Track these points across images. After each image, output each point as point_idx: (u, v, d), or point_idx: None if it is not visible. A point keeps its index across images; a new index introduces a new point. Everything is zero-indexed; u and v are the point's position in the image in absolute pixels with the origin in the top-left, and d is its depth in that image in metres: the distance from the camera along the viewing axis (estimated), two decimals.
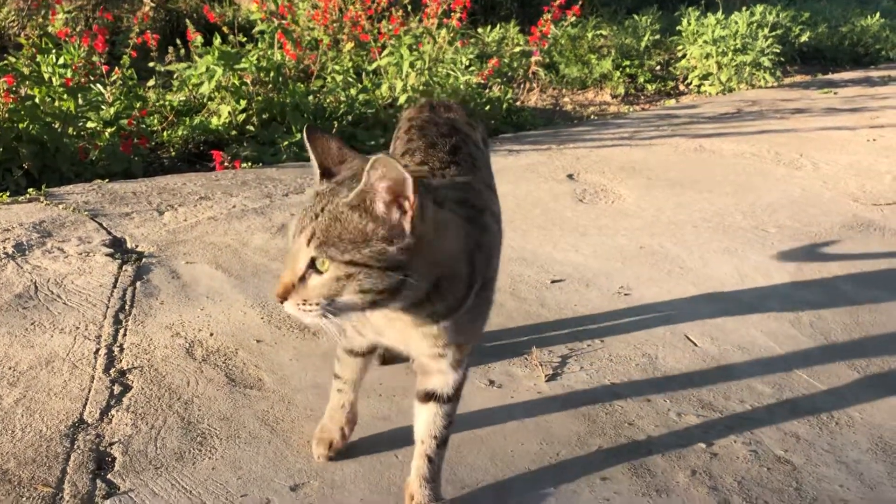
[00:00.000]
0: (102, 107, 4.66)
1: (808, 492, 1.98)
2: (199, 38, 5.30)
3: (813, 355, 2.66)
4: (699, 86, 8.10)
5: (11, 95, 3.95)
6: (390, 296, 1.44)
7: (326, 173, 1.53)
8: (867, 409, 2.35)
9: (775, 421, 2.27)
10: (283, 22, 6.34)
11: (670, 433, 2.19)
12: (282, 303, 1.44)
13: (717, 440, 2.16)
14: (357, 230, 1.40)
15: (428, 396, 1.78)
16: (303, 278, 1.42)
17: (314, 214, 1.42)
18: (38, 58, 4.32)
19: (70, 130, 4.27)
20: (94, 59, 4.63)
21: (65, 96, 4.32)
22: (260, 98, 4.96)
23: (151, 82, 5.39)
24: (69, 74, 4.29)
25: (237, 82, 4.93)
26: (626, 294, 3.05)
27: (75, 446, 1.99)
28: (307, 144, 1.55)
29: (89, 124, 4.50)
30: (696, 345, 2.68)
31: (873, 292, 3.15)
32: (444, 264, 1.51)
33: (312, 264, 1.41)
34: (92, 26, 5.42)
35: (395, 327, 1.64)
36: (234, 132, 4.87)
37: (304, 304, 1.42)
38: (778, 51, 8.18)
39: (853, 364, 2.61)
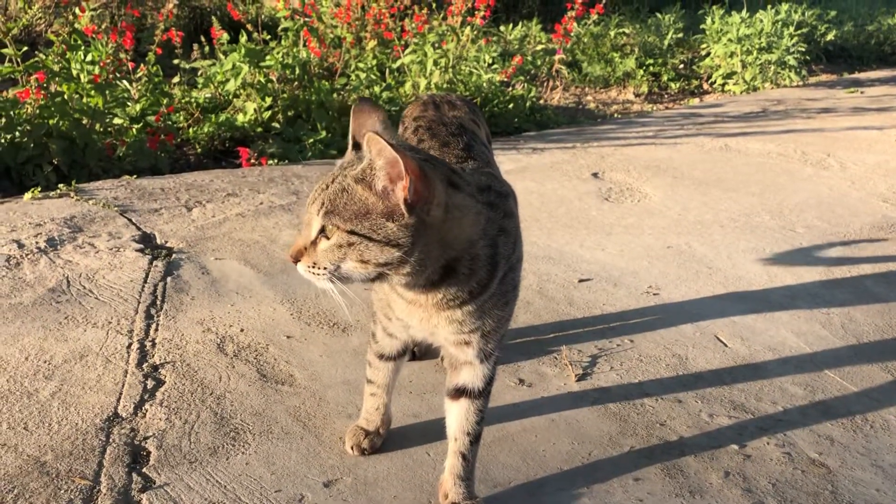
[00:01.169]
0: (129, 103, 4.70)
1: (843, 495, 1.96)
2: (224, 36, 5.33)
3: (844, 357, 2.64)
4: (723, 84, 8.04)
5: (42, 92, 3.99)
6: (394, 269, 1.47)
7: (356, 147, 1.57)
8: None
9: (808, 423, 2.25)
10: (308, 20, 6.36)
11: (702, 434, 2.18)
12: (295, 264, 1.52)
13: (750, 441, 2.15)
14: (360, 203, 1.45)
15: (459, 392, 1.78)
16: (314, 243, 1.49)
17: (326, 185, 1.49)
18: (68, 55, 4.35)
19: (98, 127, 4.31)
20: (122, 55, 4.67)
21: (92, 93, 4.35)
22: (285, 95, 4.97)
23: (177, 79, 5.42)
24: (97, 71, 4.32)
25: (263, 79, 4.95)
26: (654, 294, 3.03)
27: (111, 440, 2.01)
28: (351, 115, 1.60)
29: (116, 121, 4.53)
30: (725, 345, 2.67)
31: None
32: (457, 247, 1.52)
33: (322, 231, 1.47)
34: (118, 23, 5.48)
35: (416, 315, 1.65)
36: (259, 129, 4.89)
37: (313, 267, 1.50)
38: (803, 49, 8.12)
39: (886, 366, 2.59)
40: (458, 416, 1.79)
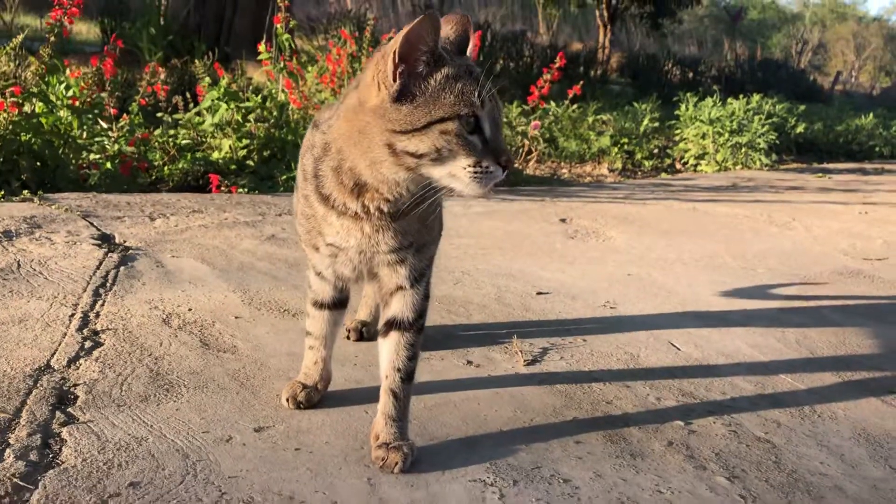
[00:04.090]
0: (107, 144, 4.73)
1: (786, 465, 1.92)
2: (206, 79, 5.44)
3: (797, 364, 2.62)
4: (695, 165, 8.24)
5: (16, 107, 4.03)
6: None
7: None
8: (851, 407, 2.30)
9: (756, 410, 2.22)
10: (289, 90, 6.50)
11: (648, 412, 2.14)
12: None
13: (696, 420, 2.11)
14: None
15: (389, 325, 1.76)
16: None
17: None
18: (48, 78, 4.43)
19: (71, 157, 4.33)
20: (104, 95, 4.75)
21: (69, 117, 4.40)
22: (261, 134, 5.05)
23: (158, 132, 5.49)
24: (75, 94, 4.39)
25: (240, 118, 5.03)
26: (611, 307, 3.03)
27: (38, 385, 1.95)
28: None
29: (92, 156, 4.57)
30: (679, 349, 2.65)
31: (862, 320, 3.13)
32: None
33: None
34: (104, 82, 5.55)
35: (354, 235, 1.65)
36: (233, 166, 4.94)
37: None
38: (773, 137, 8.37)
39: (838, 374, 2.57)
40: (388, 351, 1.76)
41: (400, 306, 1.74)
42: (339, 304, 1.94)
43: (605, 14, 17.18)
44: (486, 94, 1.51)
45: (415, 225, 1.65)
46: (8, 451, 1.63)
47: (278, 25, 5.54)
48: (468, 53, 1.63)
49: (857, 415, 2.25)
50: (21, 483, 1.53)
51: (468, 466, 1.75)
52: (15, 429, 1.73)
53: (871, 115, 11.29)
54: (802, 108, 9.99)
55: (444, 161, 1.48)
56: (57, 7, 4.19)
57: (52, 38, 4.19)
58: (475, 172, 1.48)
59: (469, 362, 2.35)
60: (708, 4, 27.40)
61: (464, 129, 1.48)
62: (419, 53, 1.48)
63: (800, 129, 9.54)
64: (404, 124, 1.47)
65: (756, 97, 8.90)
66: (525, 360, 2.40)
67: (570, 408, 2.11)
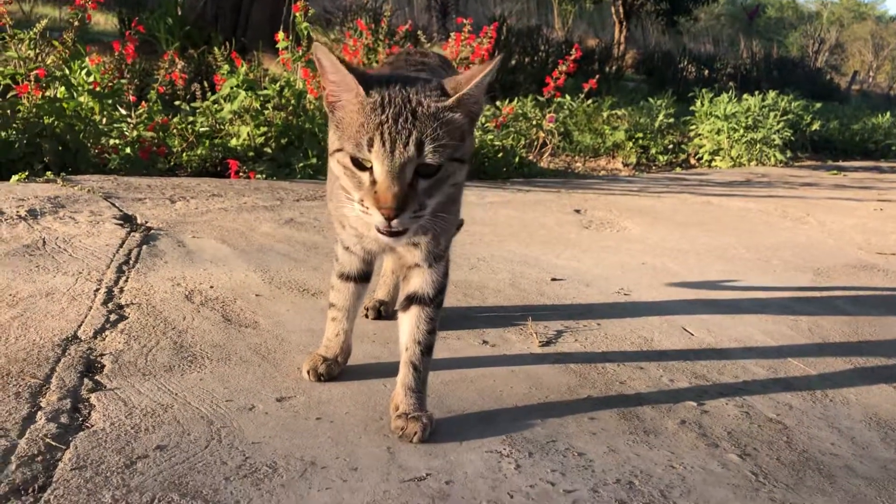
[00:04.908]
0: (126, 130, 4.79)
1: (797, 446, 1.95)
2: (225, 67, 5.48)
3: (809, 351, 2.65)
4: (710, 161, 8.25)
5: (40, 90, 4.09)
6: None
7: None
8: (863, 392, 2.33)
9: (768, 393, 2.25)
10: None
11: (660, 392, 2.17)
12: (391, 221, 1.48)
13: (709, 401, 2.14)
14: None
15: (410, 300, 1.80)
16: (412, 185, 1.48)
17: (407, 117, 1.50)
18: (71, 64, 4.49)
19: (91, 141, 4.39)
20: (124, 81, 4.81)
21: (90, 101, 4.46)
22: (279, 122, 5.09)
23: (177, 119, 5.55)
24: (96, 79, 4.44)
25: (258, 105, 5.08)
26: (625, 294, 3.06)
27: (66, 353, 2.00)
28: None
29: (112, 141, 4.63)
30: (692, 334, 2.68)
31: (875, 311, 3.15)
32: None
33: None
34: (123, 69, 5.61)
35: None
36: (251, 153, 4.99)
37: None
38: (789, 133, 8.36)
39: (849, 360, 2.59)
40: (409, 324, 1.80)
41: (420, 282, 1.78)
42: (364, 277, 1.98)
43: (621, 11, 17.14)
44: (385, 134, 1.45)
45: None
46: (39, 413, 1.68)
47: (297, 14, 5.58)
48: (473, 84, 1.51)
49: (869, 400, 2.27)
50: (53, 443, 1.58)
51: (484, 438, 1.79)
52: (46, 393, 1.78)
53: (888, 114, 11.24)
54: (818, 105, 9.96)
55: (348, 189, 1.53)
56: None
57: (76, 24, 4.25)
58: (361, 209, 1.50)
59: (485, 342, 2.39)
60: (724, 2, 27.29)
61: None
62: (328, 82, 1.54)
63: (815, 126, 9.51)
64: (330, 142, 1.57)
65: (772, 94, 8.89)
66: (540, 342, 2.43)
67: (584, 386, 2.15)
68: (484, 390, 2.04)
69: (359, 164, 1.47)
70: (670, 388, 2.20)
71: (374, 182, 1.46)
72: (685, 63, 15.38)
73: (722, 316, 2.88)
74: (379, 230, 1.49)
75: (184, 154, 5.00)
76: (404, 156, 1.43)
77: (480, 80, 1.49)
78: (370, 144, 1.44)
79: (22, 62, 4.34)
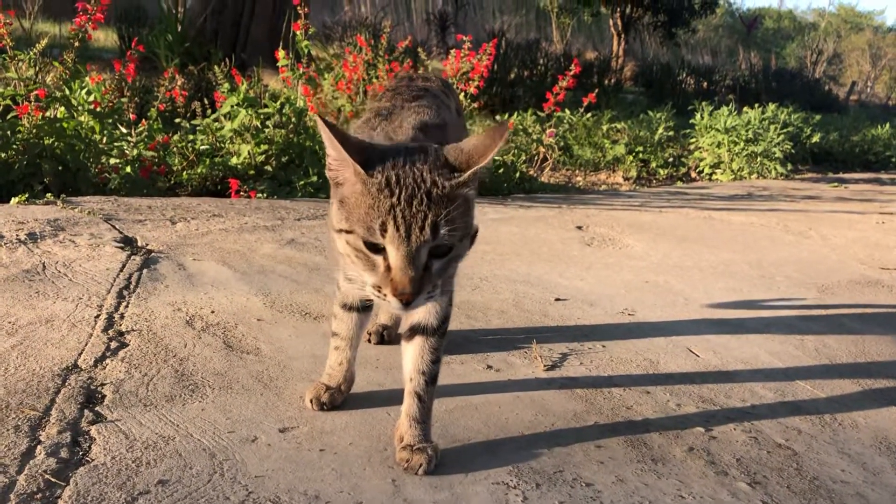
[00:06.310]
0: (126, 149, 4.77)
1: (808, 472, 1.92)
2: (226, 85, 5.48)
3: (816, 372, 2.62)
4: (711, 174, 8.24)
5: (40, 111, 4.08)
6: None
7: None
8: (871, 416, 2.30)
9: (776, 417, 2.22)
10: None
11: (668, 417, 2.15)
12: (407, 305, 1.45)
13: (717, 427, 2.12)
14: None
15: (414, 331, 1.78)
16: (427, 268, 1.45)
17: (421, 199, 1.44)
18: (71, 84, 4.48)
19: (92, 161, 4.38)
20: (124, 100, 4.80)
21: (90, 121, 4.45)
22: (279, 140, 5.08)
23: (177, 137, 5.53)
24: (97, 98, 4.44)
25: (259, 123, 5.07)
26: (629, 314, 3.03)
27: (66, 384, 1.97)
28: None
29: (112, 161, 4.62)
30: (698, 356, 2.65)
31: (881, 329, 3.12)
32: None
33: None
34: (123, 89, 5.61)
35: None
36: (252, 172, 4.97)
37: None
38: (789, 146, 8.36)
39: (858, 382, 2.57)
40: (413, 355, 1.78)
41: (424, 314, 1.76)
42: (367, 306, 1.96)
43: (619, 23, 17.20)
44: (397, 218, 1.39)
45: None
46: (39, 447, 1.66)
47: (298, 32, 5.58)
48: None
49: (879, 423, 2.25)
50: (53, 479, 1.55)
51: (491, 469, 1.77)
52: (45, 426, 1.76)
53: (888, 125, 11.25)
54: (818, 117, 9.97)
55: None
56: (81, 13, 4.24)
57: (77, 44, 4.24)
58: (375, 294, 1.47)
59: (489, 366, 2.36)
60: (722, 14, 27.37)
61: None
62: (328, 154, 1.49)
63: (815, 138, 9.52)
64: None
65: (772, 106, 8.89)
66: (545, 366, 2.41)
67: (590, 413, 2.12)
68: (489, 418, 2.02)
69: (372, 247, 1.43)
70: (677, 413, 2.18)
71: (388, 268, 1.42)
72: (684, 75, 15.41)
73: (727, 336, 2.86)
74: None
75: (184, 173, 4.99)
76: (420, 240, 1.39)
77: (494, 154, 1.45)
78: (383, 229, 1.39)
79: (22, 83, 4.33)
